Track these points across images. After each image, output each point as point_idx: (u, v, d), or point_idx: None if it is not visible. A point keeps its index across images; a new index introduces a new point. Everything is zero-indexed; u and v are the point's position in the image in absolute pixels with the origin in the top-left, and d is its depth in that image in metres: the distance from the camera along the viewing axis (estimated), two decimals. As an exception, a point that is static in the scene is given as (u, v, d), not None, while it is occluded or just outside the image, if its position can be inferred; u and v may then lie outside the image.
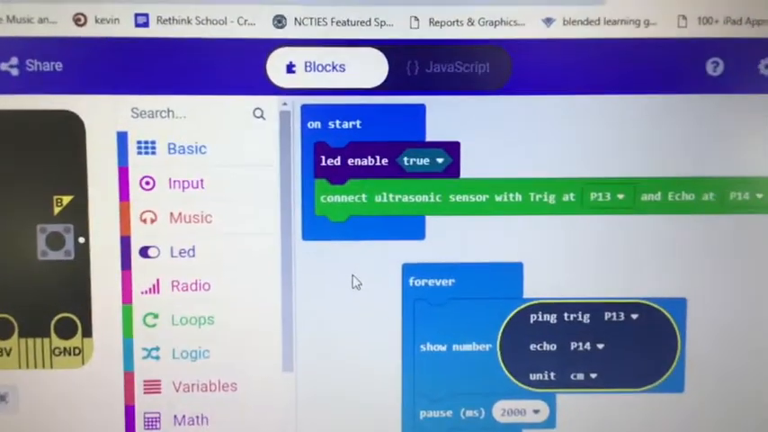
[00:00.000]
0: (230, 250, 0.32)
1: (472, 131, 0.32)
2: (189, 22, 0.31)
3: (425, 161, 0.32)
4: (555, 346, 0.33)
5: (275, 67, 0.31)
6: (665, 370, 0.33)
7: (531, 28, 0.31)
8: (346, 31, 0.31)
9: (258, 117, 0.31)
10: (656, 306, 0.33)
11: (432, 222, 0.32)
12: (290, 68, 0.31)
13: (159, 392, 0.32)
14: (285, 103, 0.31)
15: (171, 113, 0.31)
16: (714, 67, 0.32)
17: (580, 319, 0.33)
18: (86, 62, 0.31)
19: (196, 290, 0.32)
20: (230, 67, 0.31)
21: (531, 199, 0.32)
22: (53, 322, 0.32)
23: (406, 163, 0.32)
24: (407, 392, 0.33)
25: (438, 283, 0.32)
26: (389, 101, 0.31)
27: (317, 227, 0.32)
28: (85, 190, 0.31)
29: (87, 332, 0.32)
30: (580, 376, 0.33)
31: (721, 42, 0.32)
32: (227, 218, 0.32)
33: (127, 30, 0.31)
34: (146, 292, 0.32)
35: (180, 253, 0.32)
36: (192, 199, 0.32)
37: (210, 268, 0.32)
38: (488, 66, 0.31)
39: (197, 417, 0.33)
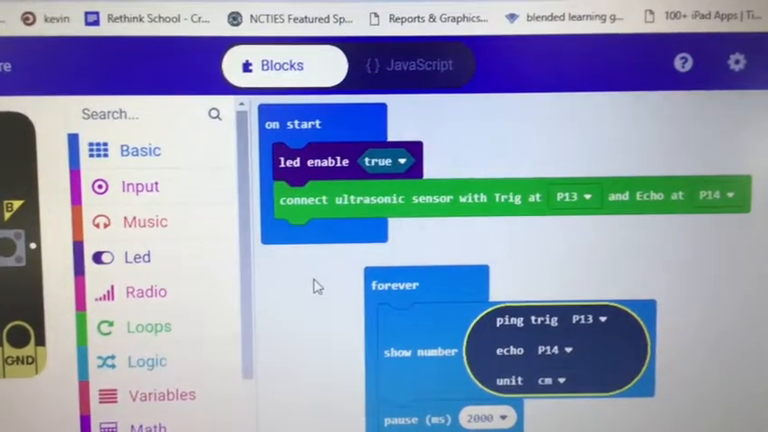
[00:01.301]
0: (187, 255, 0.31)
1: (435, 131, 0.31)
2: (141, 20, 0.30)
3: (387, 162, 0.31)
4: (522, 351, 0.32)
5: (231, 66, 0.30)
6: (634, 374, 0.32)
7: (494, 24, 0.30)
8: (304, 29, 0.30)
9: (214, 117, 0.30)
10: (625, 308, 0.32)
11: (394, 224, 0.31)
12: (247, 67, 0.30)
13: (115, 402, 0.31)
14: (242, 103, 0.30)
15: (123, 114, 0.30)
16: (683, 63, 0.31)
17: (548, 322, 0.32)
18: (36, 62, 0.30)
19: (152, 296, 0.31)
20: (184, 66, 0.30)
21: (497, 200, 0.31)
22: (5, 331, 0.31)
23: (367, 164, 0.31)
24: (371, 399, 0.32)
25: (401, 287, 0.32)
26: (349, 100, 0.31)
27: (277, 230, 0.31)
28: (36, 194, 0.30)
29: (40, 340, 0.31)
30: (548, 381, 0.32)
31: (690, 37, 0.31)
32: (183, 222, 0.31)
33: (77, 29, 0.30)
34: (100, 298, 0.31)
35: (134, 258, 0.31)
36: (146, 202, 0.31)
37: (166, 274, 0.31)
38: (451, 63, 0.31)
39: (155, 426, 0.32)
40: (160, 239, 0.31)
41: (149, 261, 0.31)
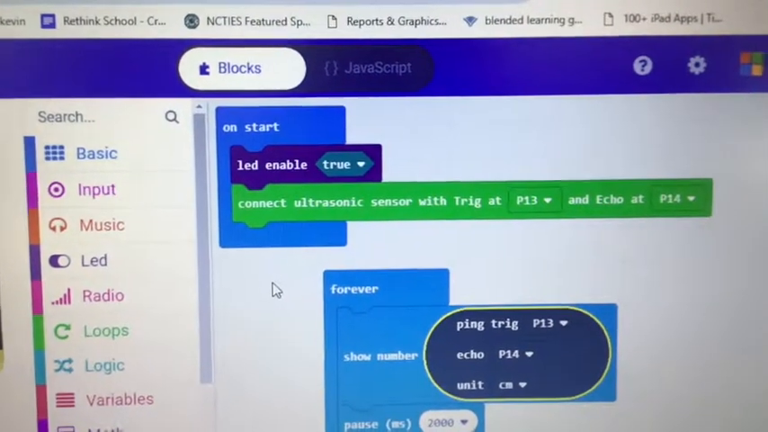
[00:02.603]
0: (144, 259, 0.31)
1: (394, 134, 0.31)
2: (97, 22, 0.30)
3: (346, 165, 0.31)
4: (483, 355, 0.32)
5: (188, 69, 0.30)
6: (596, 378, 0.32)
7: (452, 27, 0.30)
8: (261, 31, 0.30)
9: (171, 120, 0.30)
10: (585, 312, 0.32)
11: (353, 228, 0.31)
12: (204, 70, 0.30)
13: (73, 406, 0.31)
14: (199, 106, 0.30)
15: (80, 117, 0.30)
16: (642, 66, 0.31)
17: (508, 326, 0.32)
18: (-8, 65, 0.30)
19: (109, 300, 0.31)
20: (141, 68, 0.30)
21: (456, 203, 0.31)
22: (-38, 334, 0.31)
23: (325, 167, 0.31)
24: (331, 404, 0.32)
25: (361, 291, 0.31)
26: (308, 103, 0.30)
27: (235, 234, 0.31)
28: (-8, 197, 0.30)
29: (-3, 344, 0.31)
30: (509, 385, 0.32)
31: (649, 40, 0.31)
32: (141, 225, 0.31)
33: (33, 31, 0.30)
34: (56, 302, 0.31)
35: (91, 262, 0.31)
36: (103, 206, 0.30)
37: (123, 277, 0.31)
38: (409, 66, 0.30)
39: (112, 431, 0.32)
40: (117, 243, 0.31)
41: (106, 264, 0.31)
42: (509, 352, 0.32)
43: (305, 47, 0.30)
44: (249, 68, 0.30)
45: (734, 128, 0.31)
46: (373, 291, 0.31)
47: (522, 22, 0.30)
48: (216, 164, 0.31)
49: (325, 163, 0.31)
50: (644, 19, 0.31)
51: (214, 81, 0.30)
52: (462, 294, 0.32)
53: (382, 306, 0.31)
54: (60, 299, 0.31)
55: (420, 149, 0.31)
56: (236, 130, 0.30)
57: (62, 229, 0.30)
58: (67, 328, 0.31)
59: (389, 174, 0.31)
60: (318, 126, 0.31)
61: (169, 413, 0.31)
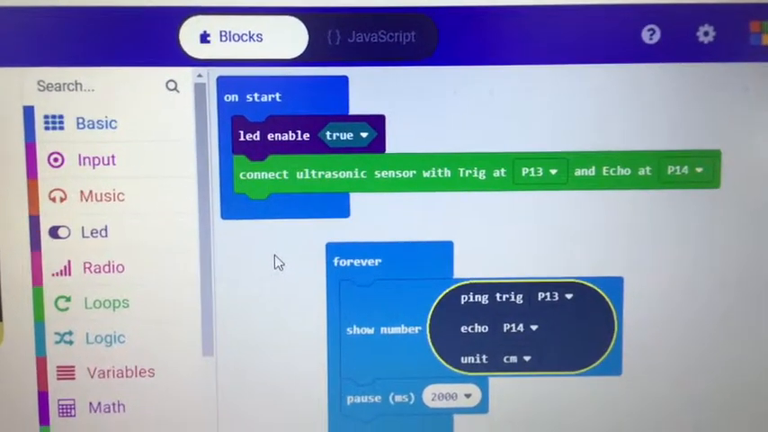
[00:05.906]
0: (144, 230, 0.30)
1: (398, 104, 0.30)
2: (96, -11, 0.29)
3: (349, 136, 0.30)
4: (487, 328, 0.32)
5: (188, 37, 0.30)
6: (601, 352, 0.32)
7: (457, -5, 0.30)
8: (263, -1, 0.30)
9: (171, 90, 0.30)
10: (591, 285, 0.31)
11: (356, 200, 0.31)
12: (205, 38, 0.30)
13: (73, 378, 0.31)
14: (200, 75, 0.30)
15: (79, 86, 0.30)
16: (650, 35, 0.30)
17: (513, 299, 0.31)
18: (-10, 33, 0.29)
19: (109, 271, 0.31)
20: (141, 36, 0.29)
21: (461, 175, 0.31)
22: (-38, 306, 0.30)
23: (328, 138, 0.30)
24: (334, 377, 0.32)
25: (364, 263, 0.31)
26: (310, 72, 0.30)
27: (237, 205, 0.31)
28: (-9, 167, 0.30)
29: (-3, 316, 0.30)
30: (513, 359, 0.32)
31: (658, 8, 0.30)
32: (141, 196, 0.30)
33: (31, -2, 0.29)
34: (57, 273, 0.30)
35: (91, 233, 0.30)
36: (102, 176, 0.30)
37: (124, 249, 0.30)
38: (414, 35, 0.30)
39: (113, 404, 0.31)
40: (117, 214, 0.30)
41: (107, 236, 0.30)
42: (513, 325, 0.32)
43: (307, 15, 0.30)
44: (251, 37, 0.30)
45: (743, 98, 0.31)
46: (376, 263, 0.31)
47: (528, -10, 0.30)
48: (217, 134, 0.30)
49: (327, 134, 0.30)
50: (652, -14, 0.30)
51: (215, 50, 0.30)
52: (466, 267, 0.31)
53: (385, 279, 0.31)
54: (60, 270, 0.30)
55: (424, 120, 0.30)
56: (237, 99, 0.30)
57: (62, 199, 0.30)
58: (68, 299, 0.31)
59: (393, 145, 0.30)
60: (321, 96, 0.30)
61: (170, 386, 0.31)
